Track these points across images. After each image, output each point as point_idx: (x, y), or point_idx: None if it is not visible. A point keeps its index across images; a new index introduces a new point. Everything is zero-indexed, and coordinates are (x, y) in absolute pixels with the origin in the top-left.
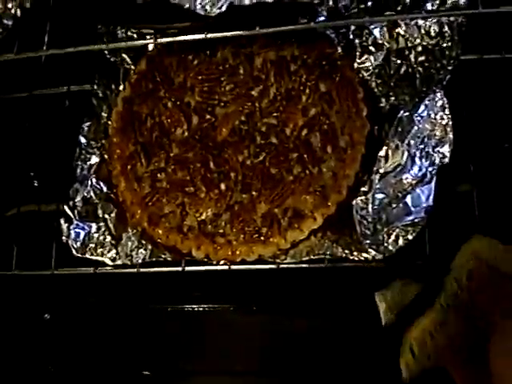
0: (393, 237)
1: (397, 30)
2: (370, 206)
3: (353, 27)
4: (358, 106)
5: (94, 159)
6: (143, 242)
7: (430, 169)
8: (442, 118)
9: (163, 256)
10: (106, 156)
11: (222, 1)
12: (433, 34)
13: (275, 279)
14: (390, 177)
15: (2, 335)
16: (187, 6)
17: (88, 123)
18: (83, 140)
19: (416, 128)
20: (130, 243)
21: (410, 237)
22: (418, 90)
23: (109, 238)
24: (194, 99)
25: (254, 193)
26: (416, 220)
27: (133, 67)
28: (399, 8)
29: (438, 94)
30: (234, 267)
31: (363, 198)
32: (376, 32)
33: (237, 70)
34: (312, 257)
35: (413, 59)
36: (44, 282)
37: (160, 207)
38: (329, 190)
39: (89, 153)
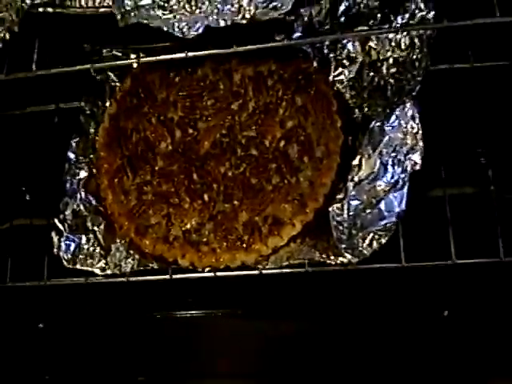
0: (367, 241)
1: (369, 44)
2: (346, 212)
3: (327, 42)
4: (332, 118)
5: (83, 174)
6: (131, 252)
7: (403, 175)
8: (413, 128)
9: (151, 265)
10: (94, 170)
11: (199, 24)
12: (403, 46)
13: (259, 284)
14: (364, 184)
15: None
16: (165, 29)
17: (76, 139)
18: (72, 155)
19: (387, 137)
20: (118, 254)
21: (383, 240)
22: (390, 100)
23: (98, 249)
24: (177, 114)
25: (235, 202)
26: (389, 224)
27: (118, 84)
28: (371, 22)
29: (408, 104)
30: (218, 274)
31: (339, 204)
32: (349, 46)
33: (217, 85)
34: (292, 262)
35: (385, 71)
36: (37, 292)
37: (146, 218)
38: (306, 198)
39: (78, 168)
